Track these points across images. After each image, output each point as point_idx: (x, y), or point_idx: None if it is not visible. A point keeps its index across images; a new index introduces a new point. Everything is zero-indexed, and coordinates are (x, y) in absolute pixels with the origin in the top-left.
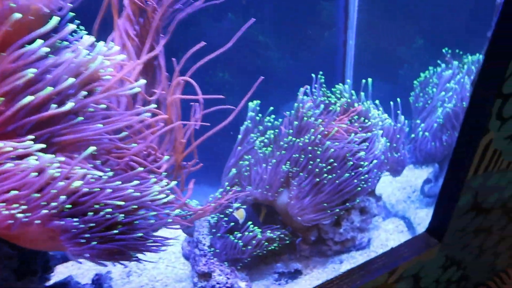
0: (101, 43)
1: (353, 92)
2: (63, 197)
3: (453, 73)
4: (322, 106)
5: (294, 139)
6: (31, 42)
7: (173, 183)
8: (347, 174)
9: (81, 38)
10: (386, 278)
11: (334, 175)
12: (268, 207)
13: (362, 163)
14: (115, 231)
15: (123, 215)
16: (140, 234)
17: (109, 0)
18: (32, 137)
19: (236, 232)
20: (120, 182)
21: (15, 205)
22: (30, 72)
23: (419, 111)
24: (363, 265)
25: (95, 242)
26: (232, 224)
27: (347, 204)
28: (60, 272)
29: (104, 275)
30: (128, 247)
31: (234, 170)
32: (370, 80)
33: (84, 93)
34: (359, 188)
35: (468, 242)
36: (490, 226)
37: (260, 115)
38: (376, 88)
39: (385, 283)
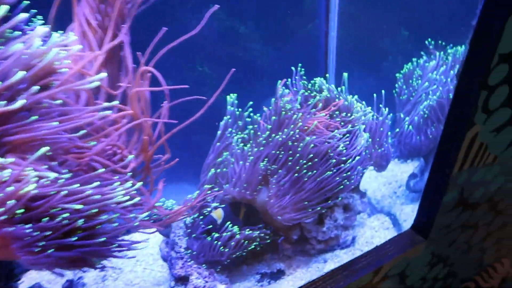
0: (57, 33)
1: (333, 86)
2: (12, 202)
3: (437, 64)
4: (299, 99)
5: (273, 135)
6: None
7: (139, 184)
8: (329, 172)
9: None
10: (371, 278)
11: (314, 171)
12: (248, 205)
13: (344, 158)
14: (74, 238)
15: (82, 220)
16: (103, 239)
17: None
18: None
19: (214, 233)
20: (78, 185)
21: None
22: None
23: (403, 104)
24: (346, 265)
25: (52, 250)
26: (210, 225)
27: (330, 202)
28: (32, 278)
29: (76, 281)
30: (90, 254)
31: (212, 171)
32: (345, 74)
33: (36, 88)
34: (342, 186)
35: (454, 238)
36: (476, 221)
37: (240, 109)
38: (359, 81)
39: (370, 282)
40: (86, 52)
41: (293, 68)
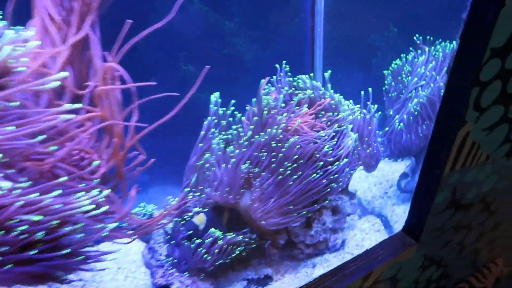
0: (12, 29)
1: (318, 84)
2: None
3: (427, 59)
4: (281, 98)
5: (256, 136)
6: None
7: (106, 191)
8: (315, 174)
9: None
10: (361, 283)
11: (300, 173)
12: (232, 209)
13: (331, 159)
14: (34, 251)
15: (43, 232)
16: (67, 251)
17: None
18: None
19: (196, 239)
20: (37, 194)
21: None
22: None
23: (393, 101)
24: (335, 270)
25: (11, 265)
26: (191, 231)
27: (317, 205)
28: None
29: None
30: (55, 267)
31: (194, 179)
32: (328, 72)
33: None
34: (329, 189)
35: (447, 240)
36: (469, 222)
37: (224, 108)
38: (347, 78)
39: None
40: (48, 49)
41: (277, 65)
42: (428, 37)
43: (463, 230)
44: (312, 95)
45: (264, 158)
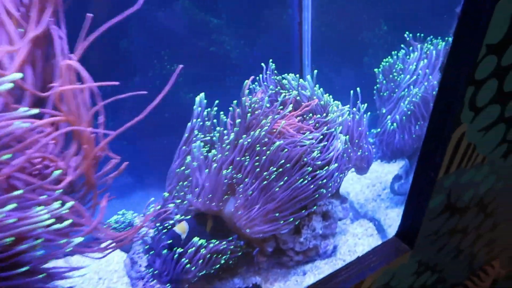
0: None
1: (305, 83)
2: None
3: (420, 56)
4: (266, 99)
5: (240, 140)
6: None
7: (70, 203)
8: (302, 180)
9: None
10: None
11: (286, 178)
12: (216, 216)
13: (319, 162)
14: None
15: None
16: (25, 269)
17: None
18: None
19: (178, 248)
20: None
21: None
22: None
23: (384, 100)
24: (326, 279)
25: None
26: (173, 240)
27: (304, 211)
28: None
29: None
30: (12, 287)
31: (178, 186)
32: (315, 72)
33: None
34: (317, 195)
35: (442, 245)
36: (466, 225)
37: (209, 109)
38: (337, 76)
39: None
40: (3, 46)
41: (263, 64)
42: (420, 34)
43: (459, 234)
44: (298, 97)
45: (247, 162)
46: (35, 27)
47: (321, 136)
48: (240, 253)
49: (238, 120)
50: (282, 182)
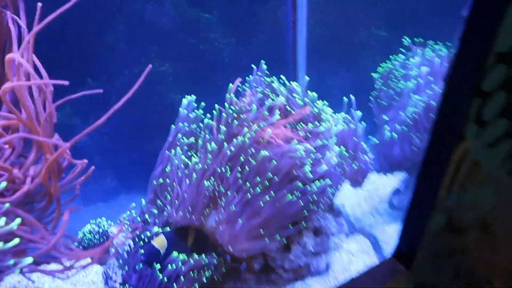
0: None
1: (298, 88)
2: None
3: (421, 62)
4: (254, 108)
5: (223, 145)
6: None
7: (17, 220)
8: (289, 196)
9: None
10: None
11: (272, 193)
12: (199, 230)
13: (309, 174)
14: None
15: None
16: None
17: None
18: None
19: (155, 263)
20: None
21: None
22: None
23: (383, 108)
24: None
25: None
26: (150, 255)
27: (292, 228)
28: None
29: None
30: None
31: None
32: (307, 78)
33: None
34: (306, 213)
35: (442, 266)
36: (467, 246)
37: (198, 111)
38: (332, 80)
39: None
40: None
41: (253, 65)
42: (421, 38)
43: (459, 255)
44: (287, 105)
45: (229, 174)
46: None
47: (314, 150)
48: (224, 270)
49: (223, 128)
50: (267, 197)
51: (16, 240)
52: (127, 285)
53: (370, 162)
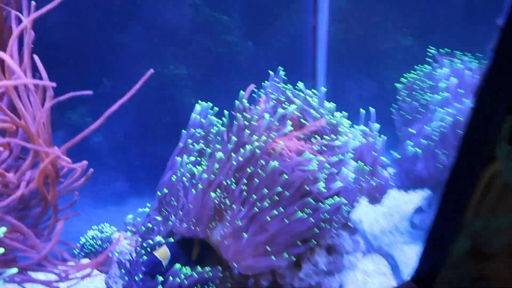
0: None
1: (314, 101)
2: None
3: (451, 74)
4: (266, 118)
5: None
6: None
7: (2, 229)
8: (300, 213)
9: None
10: None
11: (281, 208)
12: (204, 242)
13: (323, 189)
14: None
15: None
16: None
17: None
18: None
19: (158, 276)
20: None
21: None
22: None
23: (406, 121)
24: None
25: None
26: (152, 269)
27: (302, 246)
28: None
29: None
30: None
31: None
32: (323, 89)
33: None
34: (317, 230)
35: None
36: (492, 273)
37: (210, 117)
38: (352, 90)
39: None
40: None
41: (271, 72)
42: (447, 48)
43: (484, 282)
44: (301, 116)
45: (234, 186)
46: None
47: (328, 165)
48: (230, 285)
49: (233, 138)
50: (275, 211)
51: (1, 250)
52: None
53: (390, 178)
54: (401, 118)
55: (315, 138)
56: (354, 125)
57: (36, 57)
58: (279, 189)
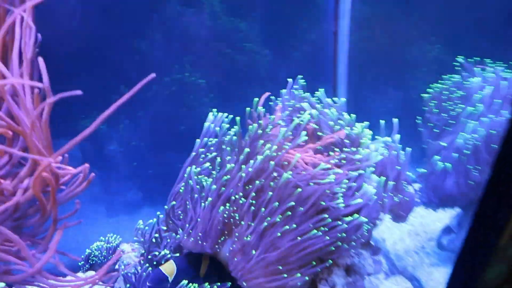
0: None
1: (333, 109)
2: None
3: (487, 83)
4: (282, 132)
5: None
6: None
7: None
8: (315, 231)
9: None
10: None
11: (294, 225)
12: (213, 258)
13: (341, 205)
14: None
15: None
16: None
17: None
18: None
19: None
20: None
21: None
22: None
23: (434, 134)
24: None
25: None
26: (157, 283)
27: (317, 266)
28: None
29: None
30: None
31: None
32: (343, 100)
33: None
34: (333, 248)
35: None
36: None
37: (224, 125)
38: (376, 99)
39: None
40: None
41: (289, 79)
42: (477, 57)
43: None
44: (317, 126)
45: (242, 200)
46: None
47: (346, 180)
48: None
49: (247, 150)
50: (287, 227)
51: None
52: None
53: (416, 194)
54: (428, 130)
55: (333, 151)
56: (377, 136)
57: (40, 60)
58: (292, 203)
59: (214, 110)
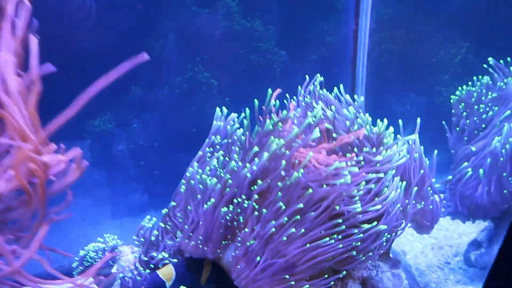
0: None
1: (351, 108)
2: None
3: None
4: (296, 130)
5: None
6: None
7: None
8: (327, 239)
9: None
10: None
11: (303, 230)
12: (215, 263)
13: (358, 207)
14: None
15: None
16: None
17: None
18: None
19: None
20: None
21: None
22: None
23: (462, 138)
24: None
25: None
26: (153, 286)
27: (328, 278)
28: None
29: None
30: None
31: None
32: (362, 99)
33: None
34: (347, 257)
35: None
36: None
37: (237, 126)
38: (398, 103)
39: None
40: None
41: (307, 76)
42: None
43: None
44: (328, 125)
45: (246, 203)
46: None
47: (364, 183)
48: None
49: (256, 149)
50: (294, 230)
51: None
52: None
53: (441, 204)
54: (456, 135)
55: (350, 152)
56: (398, 136)
57: (33, 39)
58: (301, 205)
59: (223, 107)
